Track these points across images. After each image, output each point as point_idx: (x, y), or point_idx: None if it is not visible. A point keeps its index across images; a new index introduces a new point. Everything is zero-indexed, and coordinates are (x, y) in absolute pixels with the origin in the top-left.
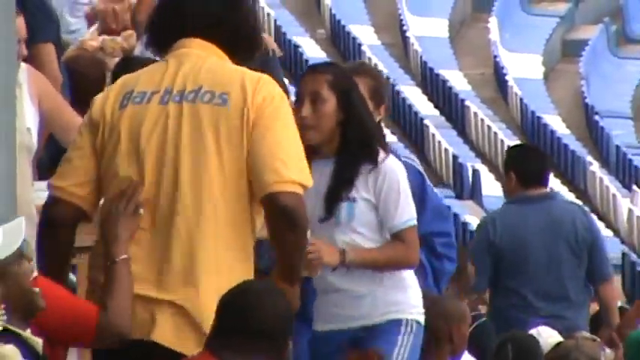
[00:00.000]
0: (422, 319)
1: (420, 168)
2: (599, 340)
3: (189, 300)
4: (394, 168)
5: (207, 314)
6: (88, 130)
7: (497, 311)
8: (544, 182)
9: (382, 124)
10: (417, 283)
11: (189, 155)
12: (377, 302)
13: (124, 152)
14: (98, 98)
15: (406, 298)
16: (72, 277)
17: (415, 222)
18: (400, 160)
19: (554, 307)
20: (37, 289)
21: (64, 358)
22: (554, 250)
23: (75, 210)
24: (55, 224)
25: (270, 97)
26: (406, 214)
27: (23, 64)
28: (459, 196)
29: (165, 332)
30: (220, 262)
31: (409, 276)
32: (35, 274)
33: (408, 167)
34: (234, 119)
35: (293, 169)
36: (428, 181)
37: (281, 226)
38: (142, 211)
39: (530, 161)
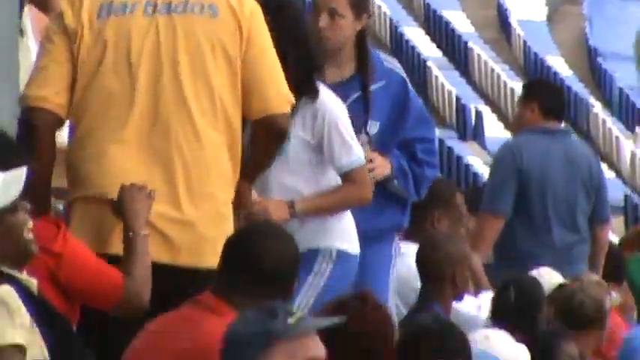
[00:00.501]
0: (348, 246)
1: (403, 73)
2: (605, 283)
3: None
4: (333, 107)
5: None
6: (62, 37)
7: (508, 242)
8: (562, 118)
9: (365, 35)
10: (349, 212)
11: (189, 66)
12: (305, 232)
13: (111, 65)
14: (66, 4)
15: (331, 226)
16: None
17: (363, 160)
18: (383, 65)
19: (567, 239)
20: (31, 236)
21: (78, 316)
22: (571, 185)
23: (54, 117)
24: (37, 134)
25: (256, 10)
26: (352, 153)
27: (26, 8)
28: (462, 138)
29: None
30: (225, 175)
31: None
32: (30, 226)
33: (391, 73)
34: (228, 30)
35: (286, 87)
36: (410, 87)
37: (271, 143)
38: (154, 195)
39: (554, 94)
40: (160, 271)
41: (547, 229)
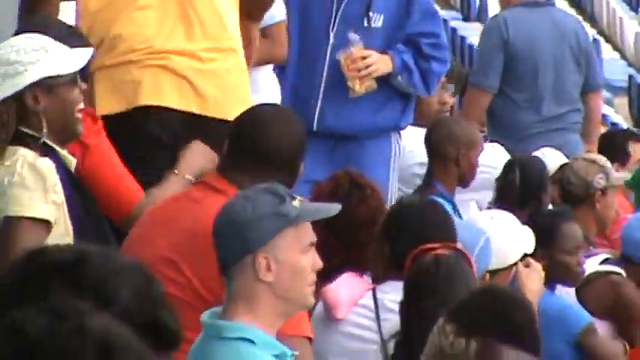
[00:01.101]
0: None
1: None
2: (599, 161)
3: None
4: None
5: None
6: None
7: (501, 113)
8: None
9: None
10: (274, 84)
11: None
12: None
13: None
14: None
15: (256, 98)
16: None
17: (281, 18)
18: None
19: (557, 109)
20: (80, 117)
21: None
22: (560, 54)
23: None
24: (43, 5)
25: None
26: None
27: None
28: (466, 18)
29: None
30: (237, 28)
31: (263, 77)
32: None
33: None
34: None
35: None
36: None
37: (267, 5)
38: (215, 159)
39: None
40: (190, 121)
41: (538, 100)
